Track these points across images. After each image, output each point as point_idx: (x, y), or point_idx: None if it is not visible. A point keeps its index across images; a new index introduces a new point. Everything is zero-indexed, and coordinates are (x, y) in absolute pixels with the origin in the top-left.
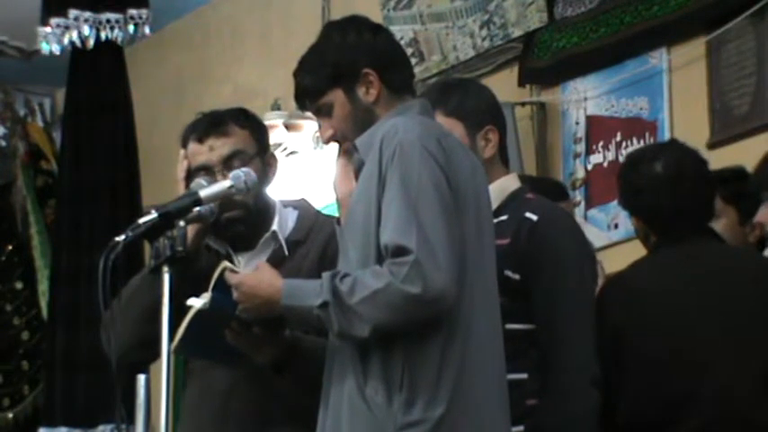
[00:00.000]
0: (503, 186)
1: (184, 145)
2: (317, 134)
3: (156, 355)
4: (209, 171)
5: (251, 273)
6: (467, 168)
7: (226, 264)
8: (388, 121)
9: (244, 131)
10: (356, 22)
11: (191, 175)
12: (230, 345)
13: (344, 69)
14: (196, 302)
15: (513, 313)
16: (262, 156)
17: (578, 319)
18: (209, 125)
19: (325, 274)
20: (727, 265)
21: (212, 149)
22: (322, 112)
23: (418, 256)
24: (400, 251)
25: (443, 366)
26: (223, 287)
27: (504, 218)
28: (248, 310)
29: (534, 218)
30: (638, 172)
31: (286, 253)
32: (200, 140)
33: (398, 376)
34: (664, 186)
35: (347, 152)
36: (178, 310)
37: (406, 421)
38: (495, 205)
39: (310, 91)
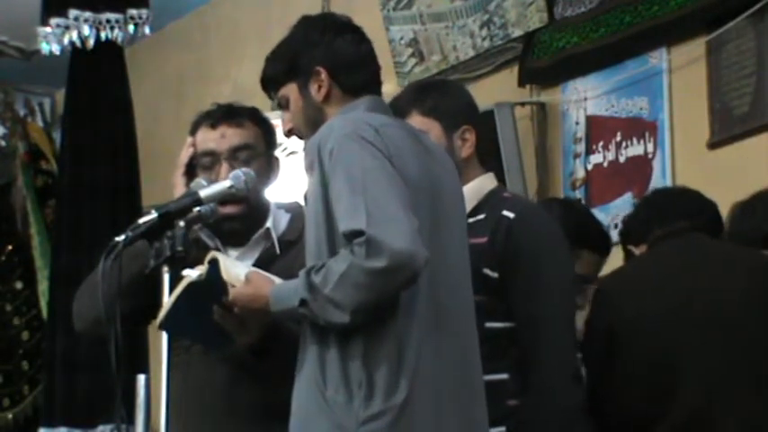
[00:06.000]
0: (480, 186)
1: (193, 132)
2: None
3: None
4: (214, 158)
5: (243, 287)
6: (413, 158)
7: (214, 254)
8: (330, 122)
9: (257, 128)
10: (325, 20)
11: (193, 162)
12: (215, 327)
13: (299, 64)
14: (191, 273)
15: (493, 312)
16: (268, 156)
17: (557, 316)
18: (225, 113)
19: (302, 272)
20: (719, 263)
21: (224, 137)
22: (282, 105)
23: (369, 234)
24: (354, 235)
25: (401, 355)
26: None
27: (481, 217)
28: (249, 321)
29: (511, 216)
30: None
31: (278, 251)
32: (214, 126)
33: (357, 373)
34: (642, 210)
35: None
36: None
37: (368, 415)
38: (472, 204)
39: (270, 81)
